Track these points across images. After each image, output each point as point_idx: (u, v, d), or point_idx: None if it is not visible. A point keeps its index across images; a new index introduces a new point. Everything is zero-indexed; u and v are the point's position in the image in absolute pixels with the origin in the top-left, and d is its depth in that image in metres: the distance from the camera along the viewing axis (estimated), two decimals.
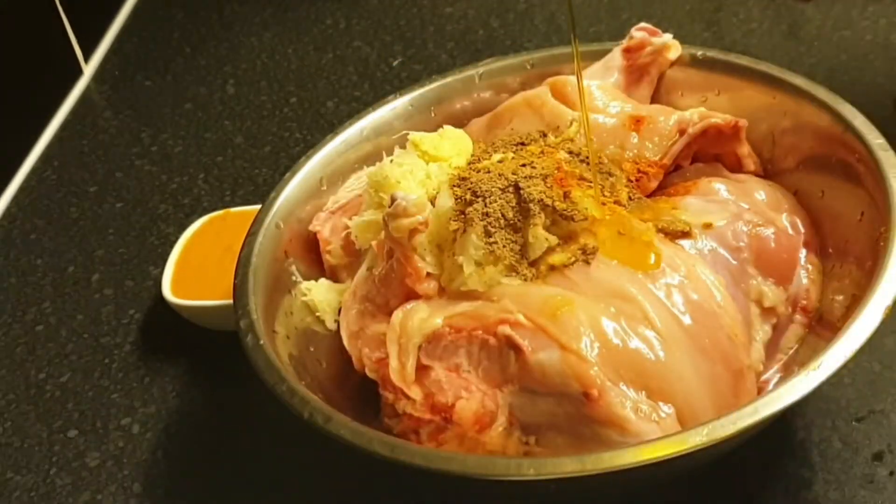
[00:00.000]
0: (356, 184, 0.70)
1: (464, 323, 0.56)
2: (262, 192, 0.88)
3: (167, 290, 0.73)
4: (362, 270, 0.63)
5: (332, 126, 0.89)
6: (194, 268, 0.75)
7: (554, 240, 0.58)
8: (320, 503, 0.63)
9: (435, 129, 0.66)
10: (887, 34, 0.93)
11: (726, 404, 0.54)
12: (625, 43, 0.72)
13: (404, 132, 0.68)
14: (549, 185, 0.58)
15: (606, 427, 0.52)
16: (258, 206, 0.68)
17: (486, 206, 0.57)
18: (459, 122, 0.72)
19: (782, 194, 0.65)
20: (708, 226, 0.60)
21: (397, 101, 0.74)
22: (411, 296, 0.59)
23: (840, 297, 0.60)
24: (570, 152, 0.63)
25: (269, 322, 0.61)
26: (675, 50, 0.72)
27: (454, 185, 0.59)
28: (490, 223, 0.57)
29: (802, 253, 0.63)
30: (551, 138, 0.66)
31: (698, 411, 0.53)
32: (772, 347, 0.60)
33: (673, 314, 0.55)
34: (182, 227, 0.81)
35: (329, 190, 0.70)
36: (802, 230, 0.63)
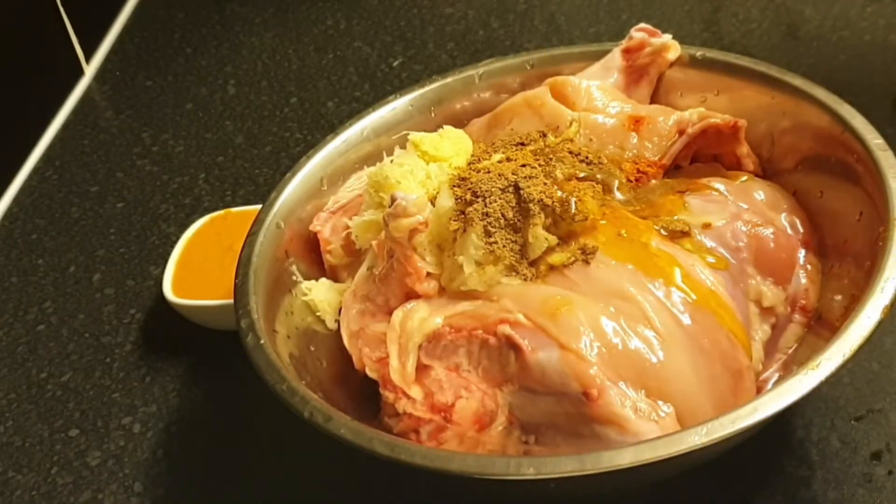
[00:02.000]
0: (356, 184, 0.70)
1: (464, 322, 0.57)
2: (263, 192, 0.88)
3: (168, 290, 0.73)
4: (362, 270, 0.63)
5: (333, 126, 0.89)
6: (195, 267, 0.75)
7: (554, 240, 0.58)
8: (320, 502, 0.64)
9: (435, 129, 0.66)
10: (886, 34, 0.93)
11: (725, 404, 0.54)
12: (624, 43, 0.72)
13: (404, 132, 0.68)
14: (549, 184, 0.59)
15: (606, 426, 0.52)
16: (259, 206, 0.68)
17: (486, 206, 0.57)
18: (459, 122, 0.72)
19: (781, 194, 0.65)
20: (707, 226, 0.60)
21: (397, 101, 0.74)
22: (411, 295, 0.59)
23: (839, 297, 0.60)
24: (571, 152, 0.63)
25: (270, 322, 0.61)
26: (674, 50, 0.72)
27: (454, 185, 0.60)
28: (490, 223, 0.57)
29: (801, 253, 0.63)
30: (551, 138, 0.66)
31: (697, 411, 0.53)
32: (771, 347, 0.61)
33: (672, 314, 0.55)
34: (183, 227, 0.82)
35: (329, 190, 0.71)
36: (801, 230, 0.64)
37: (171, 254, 0.76)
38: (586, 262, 0.57)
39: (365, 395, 0.61)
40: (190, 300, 0.72)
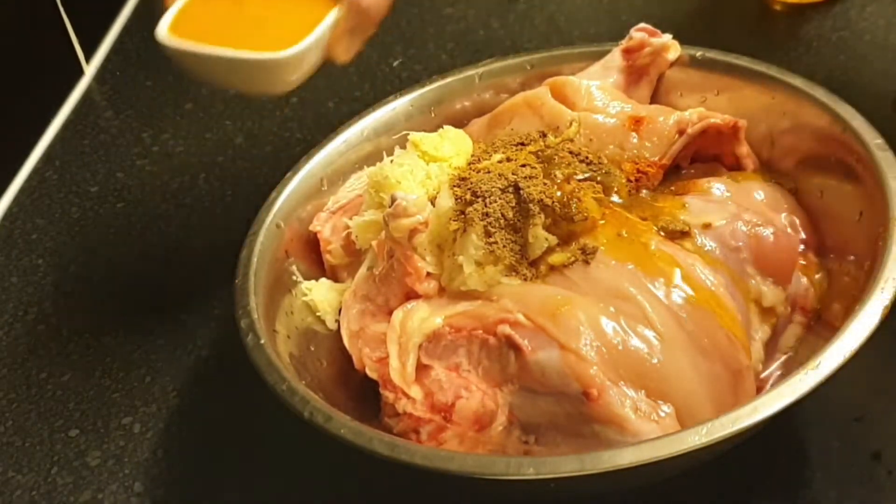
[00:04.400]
0: (356, 184, 0.70)
1: (464, 322, 0.57)
2: (263, 192, 0.88)
3: (164, 30, 0.66)
4: (362, 270, 0.63)
5: (333, 126, 0.89)
6: (200, 13, 0.67)
7: (554, 240, 0.58)
8: (320, 502, 0.64)
9: (435, 129, 0.66)
10: (886, 34, 0.93)
11: (725, 404, 0.54)
12: (624, 43, 0.72)
13: (404, 132, 0.68)
14: (549, 185, 0.59)
15: (606, 426, 0.52)
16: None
17: (486, 206, 0.58)
18: (459, 122, 0.72)
19: (781, 194, 0.65)
20: (707, 226, 0.60)
21: (397, 101, 0.74)
22: (411, 295, 0.59)
23: (839, 297, 0.60)
24: (571, 152, 0.63)
25: (270, 322, 0.61)
26: (674, 50, 0.72)
27: (454, 185, 0.60)
28: (490, 223, 0.57)
29: (801, 253, 0.63)
30: (551, 138, 0.66)
31: (697, 410, 0.53)
32: (771, 347, 0.61)
33: (672, 314, 0.55)
34: (183, 227, 0.82)
35: (329, 190, 0.71)
36: (801, 230, 0.64)
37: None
38: (586, 262, 0.57)
39: (365, 395, 0.61)
40: (188, 44, 0.64)
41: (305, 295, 0.65)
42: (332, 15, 0.64)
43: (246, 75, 0.64)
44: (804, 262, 0.63)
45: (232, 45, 0.62)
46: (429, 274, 0.59)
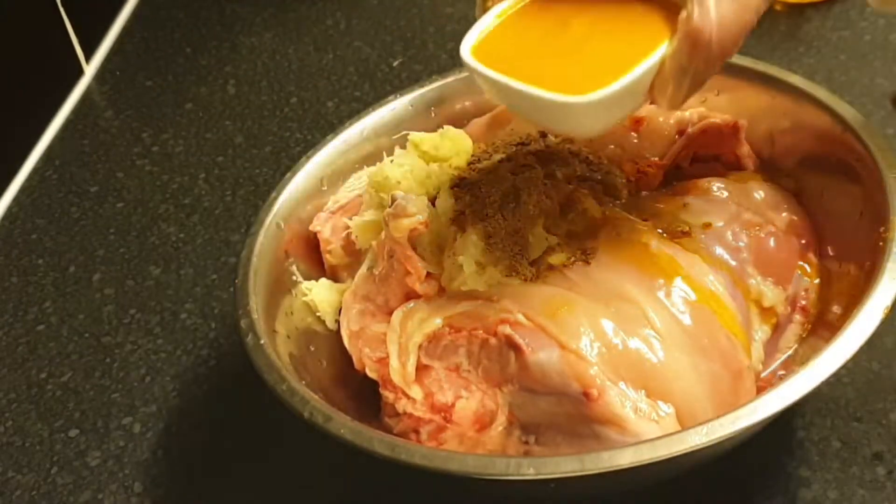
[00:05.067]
0: (357, 184, 0.70)
1: (464, 322, 0.57)
2: (263, 191, 0.88)
3: (467, 48, 0.58)
4: (362, 270, 0.63)
5: (333, 126, 0.89)
6: (517, 27, 0.59)
7: (554, 240, 0.58)
8: (320, 502, 0.64)
9: (435, 129, 0.66)
10: (886, 34, 0.93)
11: (725, 404, 0.54)
12: None
13: (404, 132, 0.68)
14: (549, 185, 0.59)
15: (606, 426, 0.52)
16: None
17: (486, 206, 0.57)
18: (459, 122, 0.72)
19: (781, 194, 0.65)
20: (707, 226, 0.60)
21: (397, 101, 0.74)
22: (411, 295, 0.59)
23: (839, 297, 0.60)
24: (571, 152, 0.63)
25: (270, 322, 0.61)
26: None
27: (454, 185, 0.60)
28: (490, 223, 0.57)
29: (801, 253, 0.63)
30: (551, 138, 0.66)
31: (697, 411, 0.53)
32: (771, 347, 0.61)
33: (672, 314, 0.55)
34: (183, 227, 0.81)
35: (329, 190, 0.71)
36: (801, 230, 0.63)
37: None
38: (586, 262, 0.57)
39: (365, 395, 0.61)
40: (485, 67, 0.56)
41: (305, 295, 0.65)
42: (659, 52, 0.51)
43: (544, 113, 0.54)
44: (804, 263, 0.63)
45: (539, 73, 0.52)
46: (429, 274, 0.59)
